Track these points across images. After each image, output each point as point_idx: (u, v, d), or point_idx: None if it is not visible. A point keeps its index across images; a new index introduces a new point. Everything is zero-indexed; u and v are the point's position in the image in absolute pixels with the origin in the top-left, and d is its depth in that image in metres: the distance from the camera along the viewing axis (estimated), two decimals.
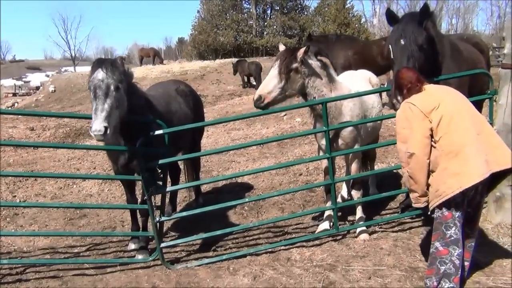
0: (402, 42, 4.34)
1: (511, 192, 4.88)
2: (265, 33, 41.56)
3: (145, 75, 24.53)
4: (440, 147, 3.43)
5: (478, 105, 5.07)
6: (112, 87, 4.09)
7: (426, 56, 4.42)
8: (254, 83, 21.37)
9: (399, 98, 3.83)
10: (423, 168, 3.47)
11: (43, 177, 7.90)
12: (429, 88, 3.71)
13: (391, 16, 4.64)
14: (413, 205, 3.72)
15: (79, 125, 13.73)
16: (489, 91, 4.87)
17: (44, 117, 14.76)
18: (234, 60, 25.37)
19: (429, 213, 3.61)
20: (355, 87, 5.02)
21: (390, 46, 4.50)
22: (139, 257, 4.83)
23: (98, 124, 3.91)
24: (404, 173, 3.68)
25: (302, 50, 4.46)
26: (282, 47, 4.68)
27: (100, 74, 4.10)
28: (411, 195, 3.69)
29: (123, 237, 5.49)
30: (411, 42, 4.31)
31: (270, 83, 4.40)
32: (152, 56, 33.88)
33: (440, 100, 3.52)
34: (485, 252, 4.25)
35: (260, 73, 21.09)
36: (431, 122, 3.45)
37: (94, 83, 4.09)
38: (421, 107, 3.50)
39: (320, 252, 4.67)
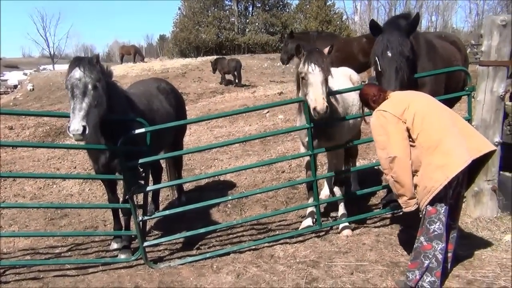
0: (389, 54, 4.28)
1: (489, 187, 4.99)
2: (247, 30, 41.53)
3: (125, 73, 24.26)
4: (419, 144, 3.50)
5: (450, 103, 5.14)
6: (90, 86, 4.03)
7: (410, 66, 4.41)
8: (237, 80, 21.32)
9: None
10: (406, 169, 3.52)
11: (22, 177, 7.79)
12: (395, 94, 3.84)
13: (374, 26, 4.57)
14: (404, 210, 3.69)
15: (59, 123, 13.52)
16: (467, 88, 4.96)
17: (23, 116, 14.50)
18: (214, 58, 25.21)
19: (421, 213, 3.62)
20: (336, 85, 5.04)
21: (376, 58, 4.41)
22: (122, 256, 4.79)
23: (76, 124, 3.85)
24: (388, 180, 3.69)
25: (327, 50, 4.41)
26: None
27: (78, 72, 4.04)
28: (400, 200, 3.67)
29: (105, 236, 5.44)
30: (398, 54, 4.26)
31: (324, 91, 4.21)
32: (133, 53, 33.42)
33: (409, 101, 3.64)
34: (465, 246, 4.33)
35: (240, 70, 21.10)
36: (405, 123, 3.54)
37: (72, 82, 4.03)
38: (392, 111, 3.59)
39: (303, 249, 4.70)
